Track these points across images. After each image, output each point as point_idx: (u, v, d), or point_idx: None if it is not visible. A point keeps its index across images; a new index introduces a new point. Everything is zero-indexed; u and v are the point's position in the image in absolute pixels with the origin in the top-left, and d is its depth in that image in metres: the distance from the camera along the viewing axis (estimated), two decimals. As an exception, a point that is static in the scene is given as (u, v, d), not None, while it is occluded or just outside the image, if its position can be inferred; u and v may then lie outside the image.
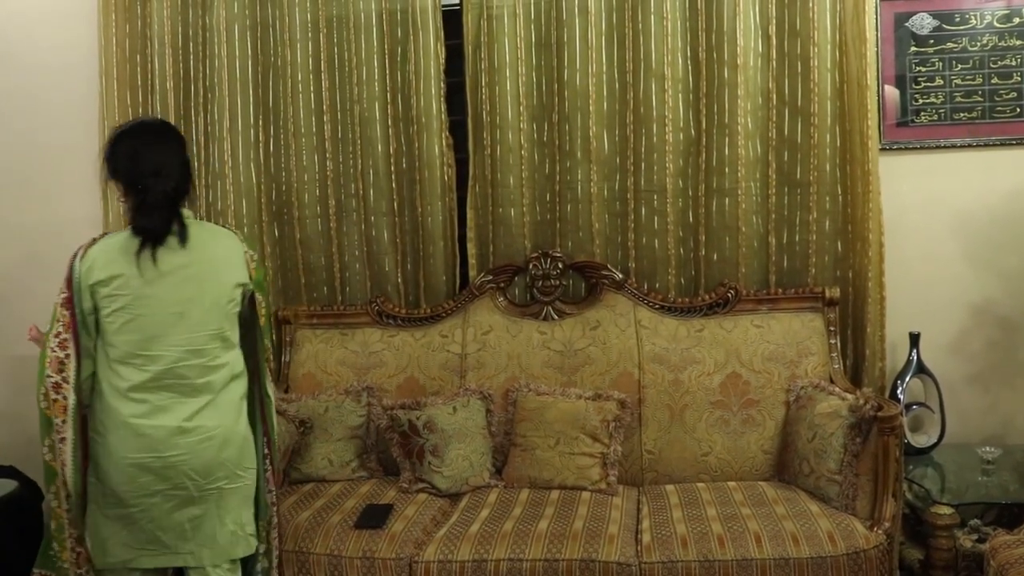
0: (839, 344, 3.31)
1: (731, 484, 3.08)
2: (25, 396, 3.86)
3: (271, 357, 2.72)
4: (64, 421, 2.44)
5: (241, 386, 2.48)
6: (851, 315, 3.39)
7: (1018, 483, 3.05)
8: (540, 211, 3.55)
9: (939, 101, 3.42)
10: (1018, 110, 3.38)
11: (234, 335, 2.47)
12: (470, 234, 3.57)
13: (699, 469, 3.17)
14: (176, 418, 2.33)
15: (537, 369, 3.36)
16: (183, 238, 2.35)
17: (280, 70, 3.62)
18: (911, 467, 3.15)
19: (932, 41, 3.40)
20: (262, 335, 2.59)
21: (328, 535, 2.83)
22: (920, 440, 3.30)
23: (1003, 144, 3.40)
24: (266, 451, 2.62)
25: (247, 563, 2.55)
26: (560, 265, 3.47)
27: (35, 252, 3.82)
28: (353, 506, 3.01)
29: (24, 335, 3.81)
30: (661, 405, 3.24)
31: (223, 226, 2.65)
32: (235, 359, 2.47)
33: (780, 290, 3.38)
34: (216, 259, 2.44)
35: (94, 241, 2.41)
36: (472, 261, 3.58)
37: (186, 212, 2.40)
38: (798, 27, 3.33)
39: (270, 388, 2.63)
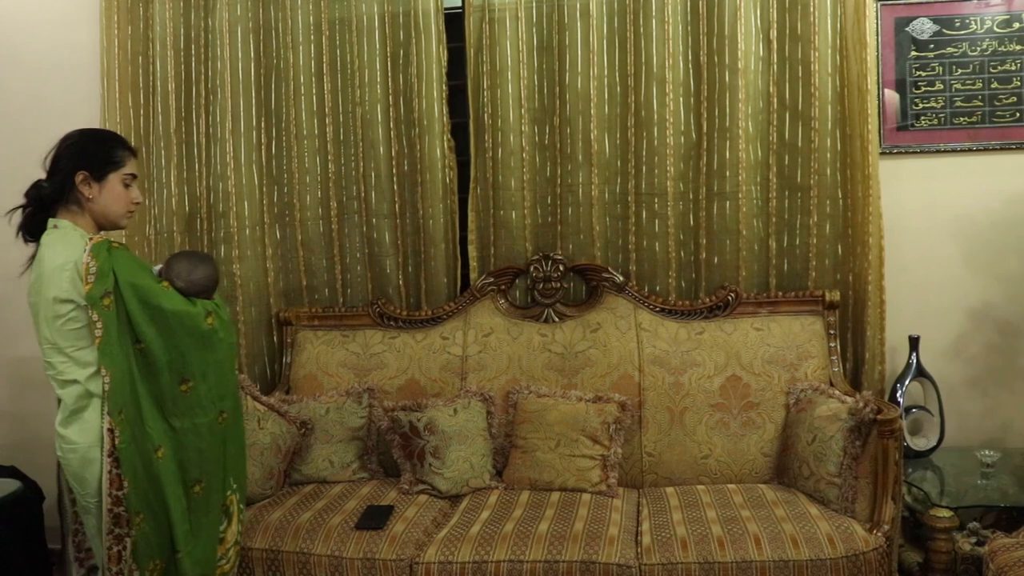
0: (839, 347, 3.32)
1: (731, 486, 3.09)
2: (26, 396, 3.89)
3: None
4: None
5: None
6: (851, 318, 3.40)
7: (1017, 486, 3.06)
8: (541, 214, 3.56)
9: (939, 105, 3.43)
10: (1018, 115, 3.39)
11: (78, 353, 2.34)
12: (471, 236, 3.58)
13: (699, 471, 3.18)
14: None
15: (538, 371, 3.37)
16: None
17: (282, 72, 3.63)
18: (910, 470, 3.16)
19: (932, 46, 3.41)
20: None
21: (329, 536, 2.84)
22: (919, 443, 3.31)
23: (1003, 148, 3.41)
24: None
25: None
26: (561, 267, 3.48)
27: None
28: (354, 507, 3.01)
29: (23, 336, 3.84)
30: (661, 407, 3.24)
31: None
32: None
33: (780, 293, 3.39)
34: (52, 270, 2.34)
35: None
36: (473, 263, 3.59)
37: (56, 220, 2.40)
38: (799, 31, 3.34)
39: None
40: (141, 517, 2.32)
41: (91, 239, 2.33)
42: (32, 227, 2.41)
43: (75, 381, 2.31)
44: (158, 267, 2.50)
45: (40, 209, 2.41)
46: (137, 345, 2.32)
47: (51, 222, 2.37)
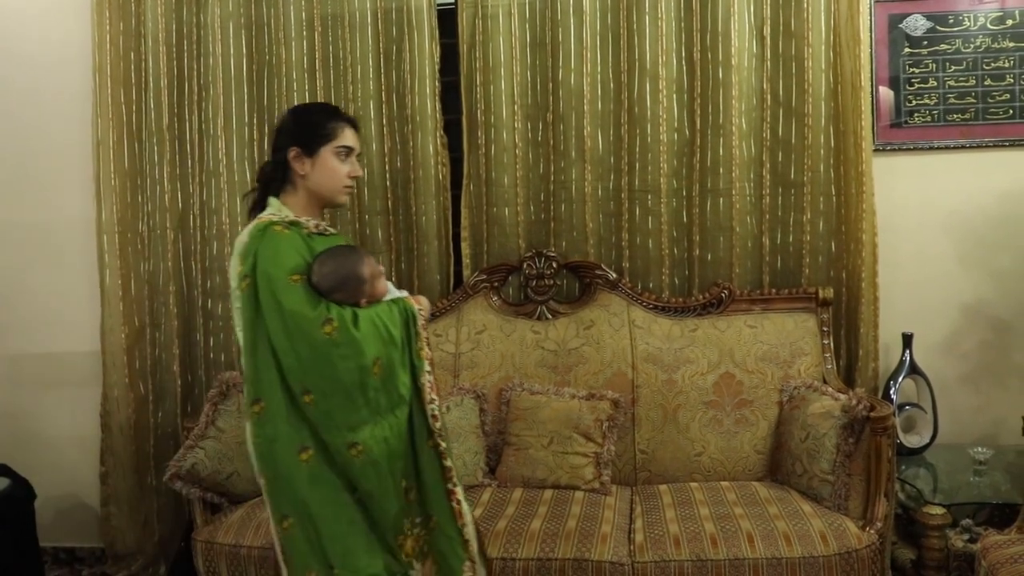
0: (832, 344, 3.31)
1: (724, 484, 3.09)
2: (18, 394, 3.88)
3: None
4: None
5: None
6: (844, 315, 3.40)
7: (1009, 483, 3.06)
8: (534, 210, 3.55)
9: (932, 102, 3.43)
10: (1011, 112, 3.39)
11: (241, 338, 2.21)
12: (464, 233, 3.57)
13: (692, 469, 3.18)
14: None
15: (531, 368, 3.36)
16: None
17: (274, 68, 3.61)
18: (903, 467, 3.16)
19: (926, 43, 3.41)
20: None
21: (321, 534, 2.83)
22: (912, 440, 3.31)
23: (996, 145, 3.41)
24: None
25: None
26: (554, 264, 3.47)
27: (28, 250, 3.82)
28: (346, 505, 3.00)
29: (15, 334, 3.84)
30: (654, 405, 3.24)
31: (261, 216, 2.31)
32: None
33: (774, 290, 3.39)
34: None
35: None
36: (466, 260, 3.58)
37: (270, 199, 2.33)
38: (792, 28, 3.33)
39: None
40: (289, 522, 2.15)
41: (260, 219, 2.24)
42: (259, 209, 2.32)
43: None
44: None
45: (263, 190, 2.34)
46: (270, 338, 2.13)
47: (269, 200, 2.31)
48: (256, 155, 3.65)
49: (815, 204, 3.38)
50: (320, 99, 3.59)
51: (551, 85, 3.47)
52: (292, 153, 2.29)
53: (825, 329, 3.31)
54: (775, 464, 3.10)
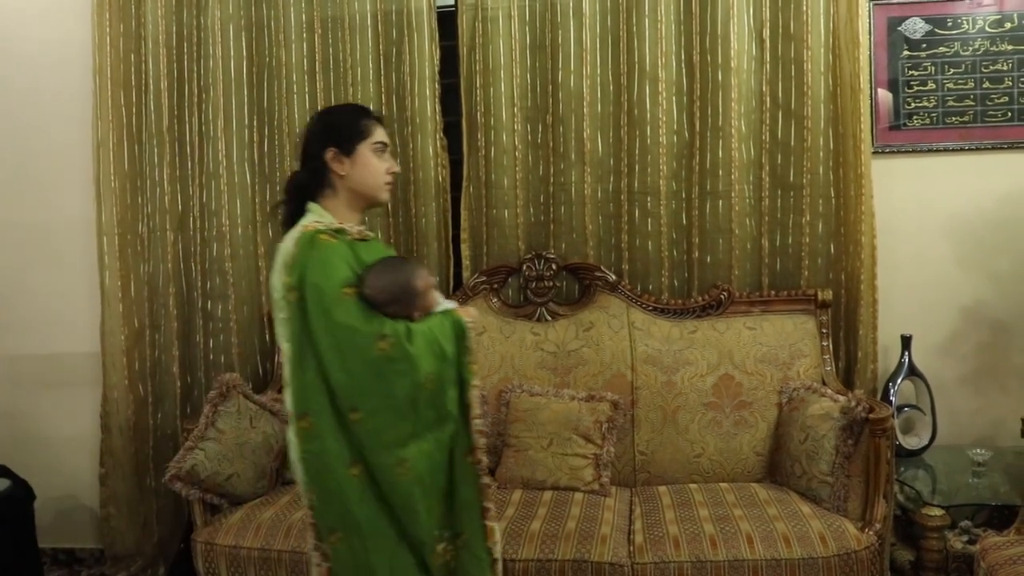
0: (831, 346, 3.32)
1: (723, 485, 3.09)
2: (17, 395, 3.88)
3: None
4: None
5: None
6: (843, 317, 3.41)
7: (1008, 485, 3.07)
8: (534, 212, 3.56)
9: (931, 105, 3.43)
10: (1009, 114, 3.40)
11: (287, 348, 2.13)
12: (464, 235, 3.58)
13: (691, 470, 3.18)
14: None
15: (530, 370, 3.37)
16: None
17: (274, 70, 3.62)
18: (902, 469, 3.17)
19: (925, 45, 3.42)
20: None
21: (321, 535, 2.83)
22: (911, 442, 3.31)
23: (994, 148, 3.42)
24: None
25: None
26: (553, 266, 3.48)
27: (31, 251, 3.82)
28: (346, 506, 3.00)
29: (13, 335, 3.85)
30: (654, 406, 3.24)
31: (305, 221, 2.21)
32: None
33: (773, 292, 3.39)
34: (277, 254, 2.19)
35: None
36: (466, 262, 3.58)
37: (309, 204, 2.23)
38: (791, 30, 3.34)
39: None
40: (337, 536, 2.09)
41: (305, 227, 2.13)
42: (288, 218, 2.25)
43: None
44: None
45: (299, 199, 2.24)
46: (318, 353, 2.06)
47: (308, 206, 2.22)
48: (256, 157, 3.66)
49: (814, 206, 3.39)
50: (320, 101, 3.60)
51: (551, 87, 3.48)
52: (329, 154, 2.21)
53: (824, 331, 3.31)
54: (774, 465, 3.11)
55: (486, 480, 2.20)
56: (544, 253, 3.50)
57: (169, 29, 3.63)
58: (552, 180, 3.51)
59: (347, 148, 2.22)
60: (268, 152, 3.67)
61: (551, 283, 3.48)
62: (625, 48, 3.43)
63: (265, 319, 3.69)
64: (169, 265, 3.66)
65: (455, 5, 3.52)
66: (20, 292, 3.84)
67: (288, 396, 2.11)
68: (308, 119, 2.35)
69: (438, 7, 3.53)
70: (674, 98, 3.43)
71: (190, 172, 3.67)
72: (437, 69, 3.53)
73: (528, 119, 3.52)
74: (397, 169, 2.35)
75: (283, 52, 3.60)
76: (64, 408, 3.84)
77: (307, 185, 2.24)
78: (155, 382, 3.69)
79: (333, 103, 3.60)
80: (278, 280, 2.11)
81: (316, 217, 2.19)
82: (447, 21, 3.54)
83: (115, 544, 3.67)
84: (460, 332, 2.18)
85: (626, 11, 3.41)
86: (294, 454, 2.12)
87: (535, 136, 3.52)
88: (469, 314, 2.24)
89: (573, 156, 3.47)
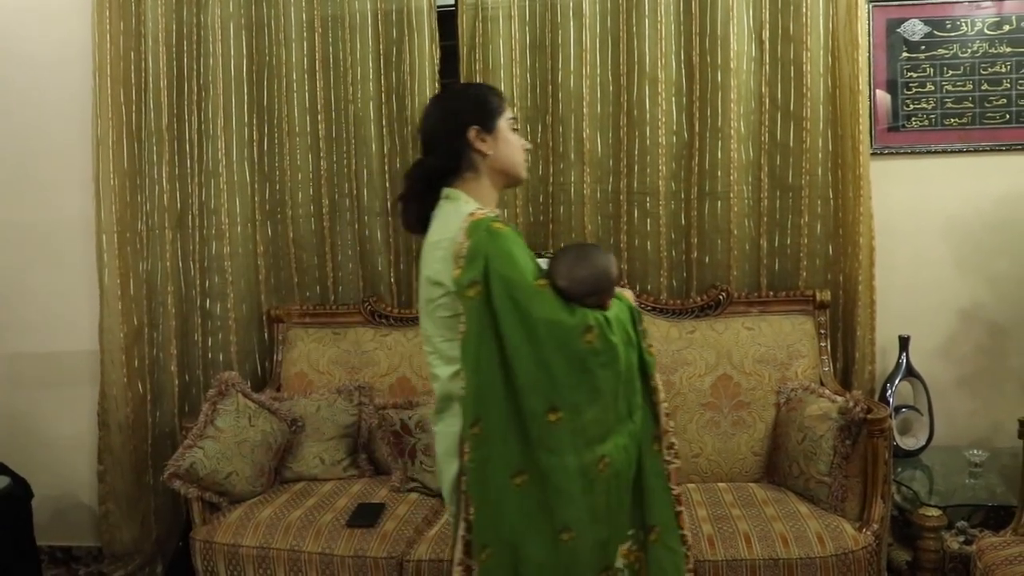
0: (829, 347, 3.32)
1: (721, 485, 3.10)
2: (15, 392, 3.88)
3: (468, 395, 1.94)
4: None
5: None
6: (841, 318, 3.41)
7: (1005, 486, 3.07)
8: (533, 212, 3.56)
9: (930, 107, 3.44)
10: (1008, 116, 3.41)
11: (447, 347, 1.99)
12: (463, 235, 3.57)
13: (689, 470, 3.18)
14: None
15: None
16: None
17: (274, 69, 3.62)
18: (899, 469, 3.18)
19: (923, 47, 3.43)
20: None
21: (320, 534, 2.84)
22: (909, 443, 3.32)
23: (993, 150, 3.43)
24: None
25: None
26: (553, 266, 3.47)
27: (29, 250, 3.82)
28: (345, 505, 3.01)
29: (13, 333, 3.84)
30: (652, 406, 3.24)
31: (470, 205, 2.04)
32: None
33: (771, 293, 3.40)
34: (428, 246, 2.05)
35: None
36: (465, 262, 3.58)
37: (448, 191, 2.07)
38: (791, 32, 3.35)
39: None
40: (488, 552, 1.92)
41: (471, 214, 1.95)
42: (420, 210, 2.09)
43: (438, 377, 2.01)
44: (546, 259, 2.03)
45: (427, 188, 2.08)
46: (505, 352, 1.89)
47: (444, 192, 2.06)
48: (255, 155, 3.66)
49: (813, 207, 3.39)
50: (320, 100, 3.60)
51: (550, 87, 3.48)
52: (472, 132, 2.05)
53: (822, 331, 3.32)
54: (772, 466, 3.11)
55: (677, 464, 2.10)
56: (543, 253, 3.49)
57: (169, 27, 3.62)
58: (551, 180, 3.52)
59: (489, 125, 2.08)
60: (268, 151, 3.67)
61: (550, 283, 3.47)
62: (625, 49, 3.43)
63: (264, 317, 3.70)
64: (168, 263, 3.66)
65: (455, 5, 3.52)
66: (19, 291, 3.84)
67: (438, 391, 2.01)
68: (428, 104, 2.23)
69: (438, 7, 3.53)
70: (673, 99, 3.43)
71: (189, 170, 3.67)
72: (437, 69, 3.53)
73: (528, 119, 3.52)
74: (529, 146, 2.25)
75: (283, 51, 3.60)
76: (62, 406, 3.84)
77: (443, 170, 2.08)
78: (153, 380, 3.69)
79: (333, 101, 3.61)
80: (444, 274, 1.95)
81: (470, 204, 2.02)
82: (447, 21, 3.54)
83: (113, 542, 3.66)
84: (636, 315, 2.09)
85: (626, 12, 3.42)
86: (454, 464, 1.98)
87: (534, 136, 3.52)
88: (631, 296, 2.16)
89: (572, 156, 3.47)
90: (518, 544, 1.91)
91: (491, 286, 1.87)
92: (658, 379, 2.09)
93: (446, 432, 2.01)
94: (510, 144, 2.11)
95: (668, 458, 2.08)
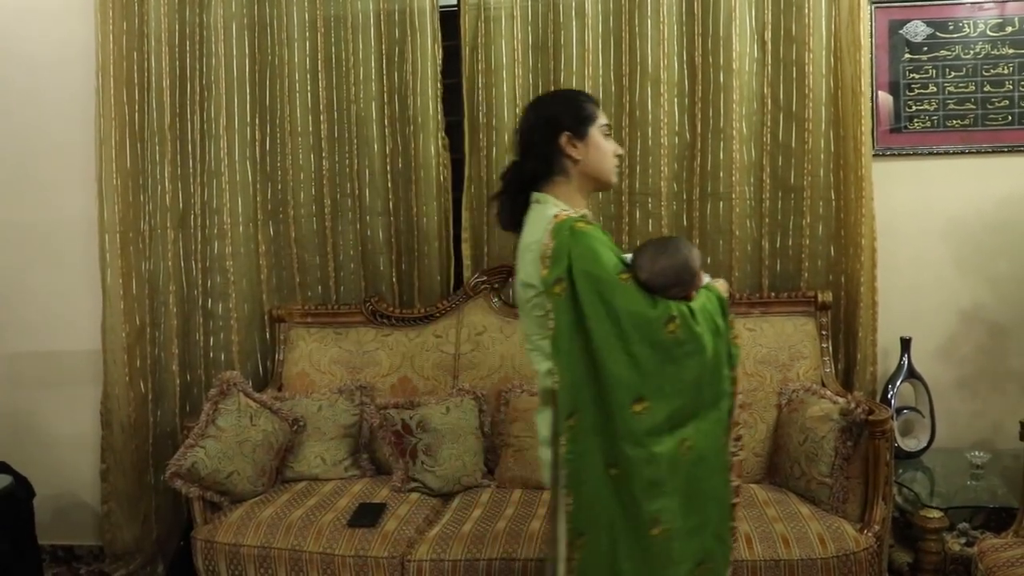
0: (831, 348, 3.32)
1: (722, 486, 3.09)
2: (17, 392, 3.88)
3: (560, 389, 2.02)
4: None
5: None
6: (843, 319, 3.41)
7: (1006, 487, 3.07)
8: (535, 212, 3.56)
9: (932, 108, 3.44)
10: (1010, 118, 3.41)
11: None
12: (465, 235, 3.58)
13: (691, 471, 3.18)
14: None
15: (530, 370, 3.34)
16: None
17: (277, 69, 3.62)
18: (901, 471, 3.17)
19: (926, 48, 3.43)
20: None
21: (321, 533, 2.84)
22: (910, 444, 3.32)
23: (995, 151, 3.43)
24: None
25: None
26: (555, 267, 3.47)
27: (30, 250, 3.82)
28: (346, 505, 3.02)
29: (14, 332, 3.85)
30: (654, 407, 3.24)
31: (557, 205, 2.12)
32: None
33: (773, 294, 3.40)
34: (520, 250, 2.14)
35: None
36: (466, 262, 3.59)
37: (537, 195, 2.15)
38: (793, 33, 3.35)
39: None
40: (584, 539, 2.00)
41: (555, 216, 2.04)
42: (513, 210, 2.19)
43: (538, 372, 2.10)
44: (630, 255, 2.07)
45: (520, 190, 2.18)
46: (591, 345, 1.97)
47: (534, 196, 2.15)
48: (258, 155, 3.66)
49: (814, 208, 3.39)
50: (322, 100, 3.60)
51: (552, 88, 3.47)
52: (564, 139, 2.13)
53: (824, 333, 3.32)
54: (773, 467, 3.11)
55: (741, 456, 2.18)
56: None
57: (172, 27, 3.62)
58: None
59: (580, 132, 2.15)
60: (270, 150, 3.67)
61: (552, 283, 3.47)
62: (627, 49, 3.43)
63: (265, 317, 3.70)
64: (170, 263, 3.66)
65: (457, 5, 3.52)
66: (21, 291, 3.84)
67: (543, 386, 2.07)
68: (525, 108, 2.31)
69: (440, 7, 3.54)
70: (675, 99, 3.43)
71: (192, 170, 3.67)
72: (439, 69, 3.53)
73: (530, 119, 3.52)
74: (621, 151, 2.31)
75: (285, 51, 3.60)
76: (64, 406, 3.84)
77: (535, 173, 2.17)
78: (155, 379, 3.69)
79: (335, 101, 3.61)
80: (534, 275, 2.04)
81: (556, 206, 2.11)
82: (449, 21, 3.54)
83: (114, 541, 3.67)
84: (724, 307, 2.13)
85: (628, 12, 3.42)
86: (552, 454, 2.05)
87: (537, 136, 3.52)
88: (724, 287, 2.20)
89: (574, 157, 3.47)
90: (615, 533, 1.98)
91: (576, 282, 1.96)
92: (739, 371, 2.15)
93: (543, 424, 2.09)
94: (600, 150, 2.18)
95: (733, 449, 2.15)
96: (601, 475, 1.98)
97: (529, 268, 2.06)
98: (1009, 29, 3.38)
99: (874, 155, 3.38)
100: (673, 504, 1.98)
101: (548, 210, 2.09)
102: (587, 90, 3.41)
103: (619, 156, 2.24)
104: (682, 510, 2.00)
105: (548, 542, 2.12)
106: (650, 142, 3.42)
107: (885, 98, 3.46)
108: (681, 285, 2.03)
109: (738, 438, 2.16)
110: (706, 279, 2.17)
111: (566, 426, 1.98)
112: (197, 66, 3.64)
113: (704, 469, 2.05)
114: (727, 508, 2.14)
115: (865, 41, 3.30)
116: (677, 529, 1.99)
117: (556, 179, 2.16)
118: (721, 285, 2.19)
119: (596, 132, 2.17)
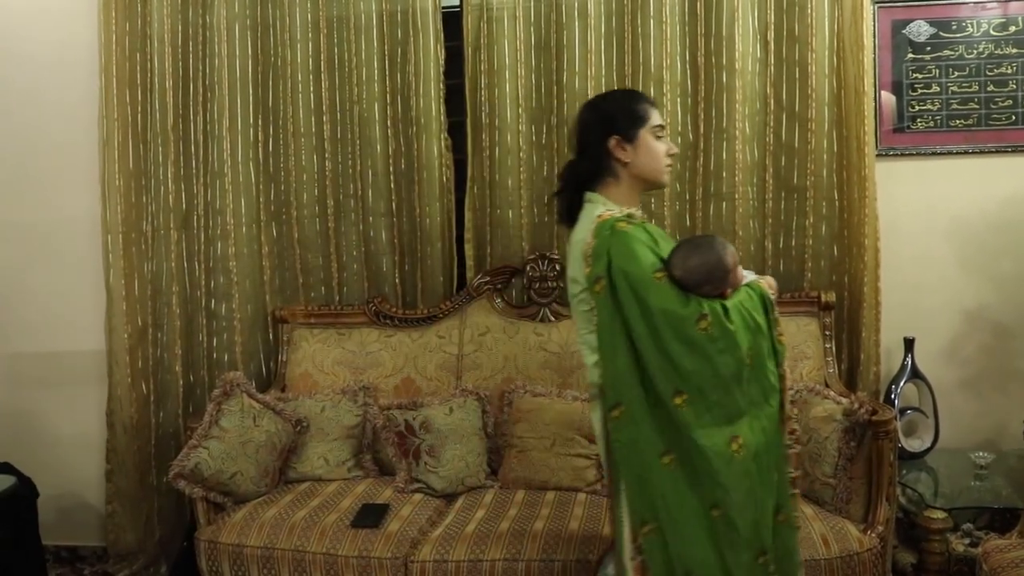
0: (834, 348, 3.32)
1: (726, 487, 3.09)
2: (21, 392, 3.89)
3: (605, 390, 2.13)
4: None
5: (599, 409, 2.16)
6: (846, 319, 3.41)
7: (1010, 488, 3.07)
8: (538, 213, 3.56)
9: (935, 108, 3.44)
10: (1013, 117, 3.40)
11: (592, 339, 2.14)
12: (468, 235, 3.58)
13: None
14: None
15: (533, 370, 3.37)
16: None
17: (280, 70, 3.63)
18: (905, 471, 3.17)
19: (929, 48, 3.42)
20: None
21: (324, 534, 2.84)
22: (914, 444, 3.32)
23: (998, 151, 3.42)
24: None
25: None
26: (557, 267, 3.48)
27: (33, 250, 3.83)
28: (349, 505, 3.02)
29: (18, 333, 3.85)
30: (657, 407, 3.24)
31: (605, 207, 2.19)
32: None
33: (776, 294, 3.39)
34: (570, 247, 2.24)
35: None
36: (469, 262, 3.59)
37: (589, 195, 2.23)
38: (796, 33, 3.34)
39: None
40: (648, 528, 2.06)
41: (599, 216, 2.13)
42: (569, 206, 2.27)
43: (587, 366, 2.17)
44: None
45: (576, 189, 2.26)
46: (632, 340, 2.05)
47: (586, 196, 2.23)
48: (261, 156, 3.67)
49: (818, 208, 3.39)
50: (325, 101, 3.60)
51: (555, 88, 3.48)
52: (612, 142, 2.20)
53: (827, 333, 3.32)
54: (777, 467, 3.11)
55: (797, 449, 2.25)
56: (548, 254, 3.51)
57: (175, 28, 3.63)
58: (556, 180, 3.51)
59: (630, 135, 2.21)
60: (273, 151, 3.67)
61: (555, 284, 3.48)
62: (630, 49, 3.43)
63: (268, 318, 3.70)
64: (173, 264, 3.67)
65: (460, 5, 3.52)
66: (24, 291, 3.85)
67: (592, 380, 2.16)
68: (581, 108, 2.35)
69: (443, 7, 3.54)
70: (678, 100, 3.43)
71: (195, 171, 3.67)
72: (442, 69, 3.54)
73: (532, 120, 3.52)
74: (675, 151, 2.35)
75: (288, 52, 3.61)
76: (67, 406, 3.85)
77: (587, 172, 2.24)
78: (157, 380, 3.69)
79: (338, 102, 3.61)
80: (579, 272, 2.13)
81: (603, 206, 2.18)
82: (452, 21, 3.54)
83: (118, 542, 3.67)
84: (768, 304, 2.19)
85: (631, 13, 3.42)
86: (602, 445, 2.16)
87: (539, 137, 3.53)
88: (771, 285, 2.25)
89: (577, 157, 3.47)
90: (675, 522, 2.04)
91: (614, 280, 2.05)
92: (786, 367, 2.21)
93: (595, 417, 2.19)
94: (651, 152, 2.23)
95: (788, 443, 2.21)
96: (655, 464, 2.05)
97: (576, 265, 2.15)
98: (1012, 29, 3.38)
99: (877, 155, 3.38)
100: (728, 496, 2.03)
101: (595, 210, 2.17)
102: (589, 90, 3.41)
103: (673, 155, 2.29)
104: (740, 503, 2.04)
105: (615, 530, 2.18)
106: (653, 142, 3.42)
107: (888, 98, 3.45)
108: (713, 283, 2.08)
109: (792, 432, 2.22)
110: (750, 276, 2.23)
111: (611, 417, 2.07)
112: (200, 67, 3.64)
113: (760, 464, 2.08)
114: (788, 499, 2.18)
115: (868, 41, 3.30)
116: (736, 517, 2.04)
117: (607, 179, 2.23)
118: (770, 284, 2.25)
119: (647, 134, 2.22)
